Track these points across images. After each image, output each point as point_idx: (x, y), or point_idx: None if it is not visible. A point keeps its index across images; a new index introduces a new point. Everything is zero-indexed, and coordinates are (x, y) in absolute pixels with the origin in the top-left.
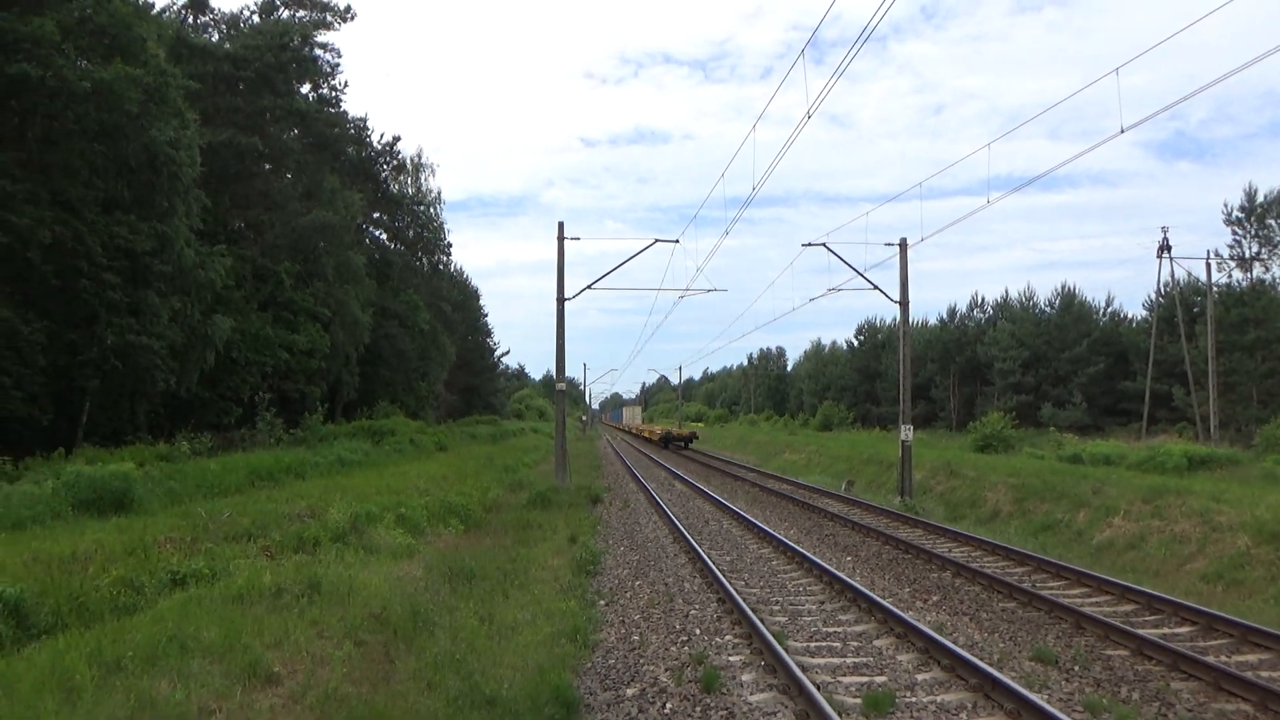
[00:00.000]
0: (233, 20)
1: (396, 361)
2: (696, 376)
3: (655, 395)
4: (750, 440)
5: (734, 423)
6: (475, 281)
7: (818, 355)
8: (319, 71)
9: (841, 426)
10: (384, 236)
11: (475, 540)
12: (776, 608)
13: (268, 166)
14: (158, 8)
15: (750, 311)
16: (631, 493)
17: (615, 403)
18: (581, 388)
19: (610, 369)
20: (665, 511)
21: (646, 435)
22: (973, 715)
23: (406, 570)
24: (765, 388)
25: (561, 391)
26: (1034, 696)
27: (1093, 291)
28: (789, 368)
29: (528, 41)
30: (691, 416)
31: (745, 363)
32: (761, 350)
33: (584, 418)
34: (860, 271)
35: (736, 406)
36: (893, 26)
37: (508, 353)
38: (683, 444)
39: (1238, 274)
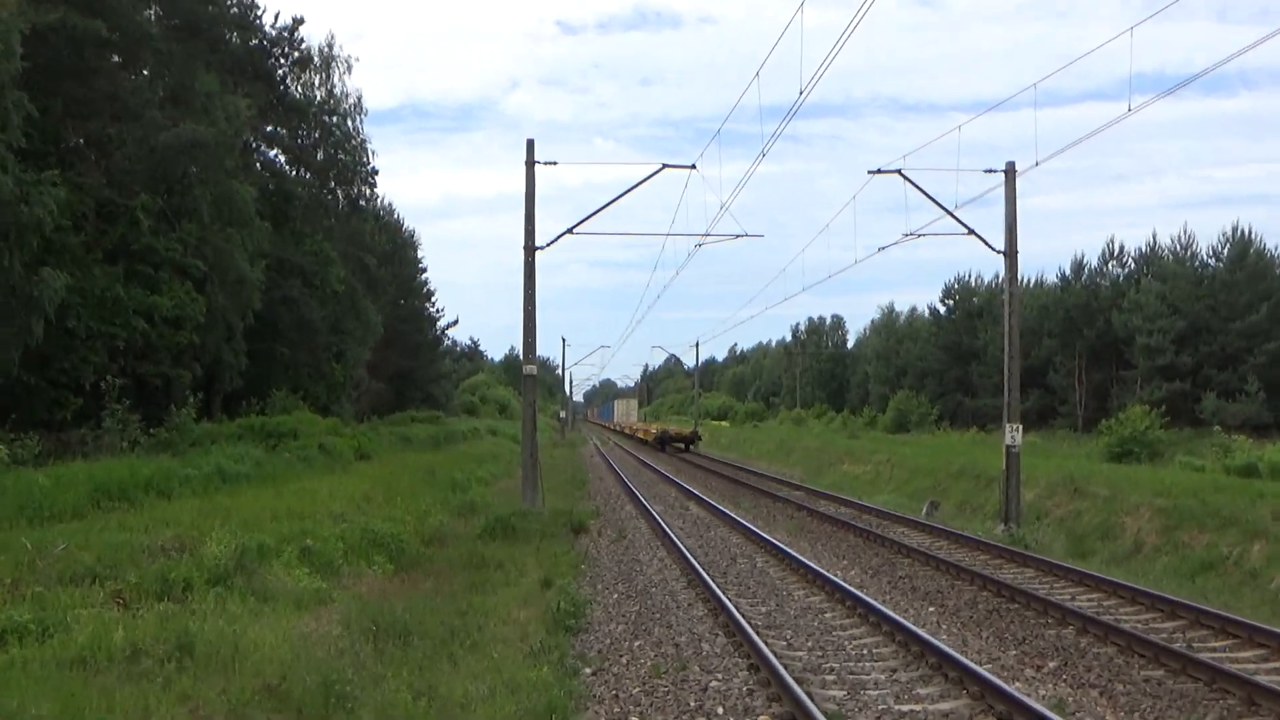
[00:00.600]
0: None
1: (299, 336)
2: (720, 356)
3: (662, 383)
4: (795, 446)
5: (772, 421)
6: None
7: (889, 328)
8: None
9: (922, 426)
10: (282, 160)
11: (411, 584)
12: (831, 678)
13: (116, 59)
14: None
15: (795, 267)
16: (628, 518)
17: (606, 394)
18: (559, 372)
19: (600, 346)
20: (676, 544)
21: (642, 436)
22: None
23: (315, 626)
24: (816, 373)
25: (531, 378)
26: None
27: (1277, 237)
28: (849, 344)
29: None
30: (713, 413)
31: (788, 338)
32: (811, 321)
33: (562, 414)
34: (949, 210)
35: (776, 399)
36: None
37: (455, 324)
38: (683, 445)
39: None
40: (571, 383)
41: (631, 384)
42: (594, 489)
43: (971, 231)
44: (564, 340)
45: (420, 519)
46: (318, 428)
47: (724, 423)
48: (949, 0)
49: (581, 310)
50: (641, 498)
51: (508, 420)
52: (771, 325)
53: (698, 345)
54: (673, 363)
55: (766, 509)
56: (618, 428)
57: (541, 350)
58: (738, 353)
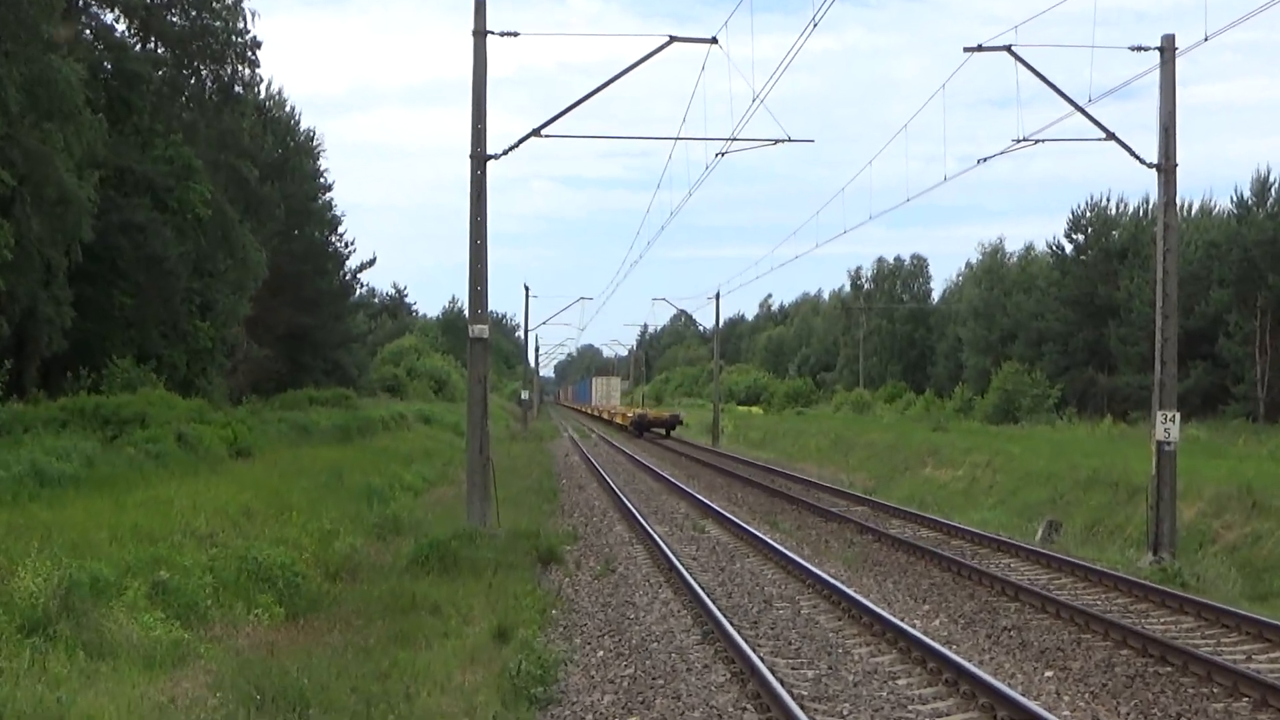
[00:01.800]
0: None
1: (148, 280)
2: (749, 312)
3: (667, 351)
4: (857, 442)
5: (824, 406)
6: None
7: (993, 273)
8: None
9: (1037, 414)
10: (121, 26)
11: (310, 635)
12: None
13: None
14: None
15: (859, 186)
16: (619, 543)
17: (589, 366)
18: (521, 336)
19: (578, 299)
20: (686, 580)
21: (620, 422)
22: None
23: (174, 693)
24: (887, 337)
25: (481, 343)
26: None
27: None
28: (934, 297)
29: None
30: (740, 394)
31: (847, 287)
32: (881, 264)
33: (525, 394)
34: (1079, 105)
35: (828, 374)
36: None
37: (371, 264)
38: (663, 430)
39: None
40: (538, 351)
41: (624, 352)
42: (570, 501)
43: (1111, 136)
44: (527, 290)
45: (323, 543)
46: (175, 412)
47: (755, 408)
48: None
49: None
50: (638, 514)
51: (447, 402)
52: (824, 269)
53: (718, 298)
54: (682, 323)
55: (816, 531)
56: (595, 412)
57: (496, 304)
58: (775, 309)
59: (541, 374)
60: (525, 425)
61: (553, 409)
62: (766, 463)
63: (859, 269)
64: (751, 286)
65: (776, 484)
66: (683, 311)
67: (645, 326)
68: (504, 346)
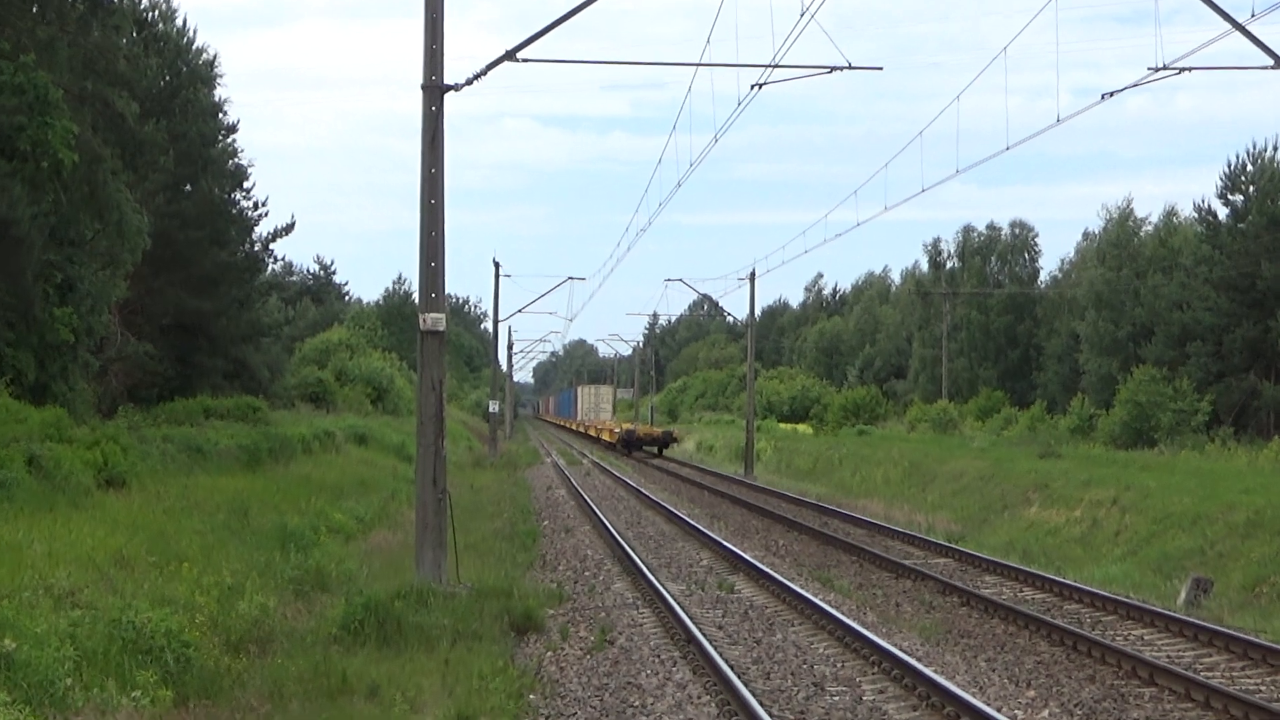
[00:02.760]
0: None
1: None
2: (793, 298)
3: (684, 347)
4: (936, 471)
5: (896, 424)
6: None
7: (1121, 246)
8: None
9: (1179, 436)
10: None
11: None
12: None
13: None
14: None
15: (939, 130)
16: (618, 605)
17: (579, 368)
18: (487, 327)
19: (566, 279)
20: (710, 656)
21: (608, 439)
22: None
23: None
24: (978, 332)
25: (435, 338)
26: None
27: None
28: (1042, 279)
29: None
30: (783, 408)
31: (923, 265)
32: (970, 233)
33: (494, 407)
34: (1239, 22)
35: (900, 381)
36: None
37: (289, 231)
38: (655, 448)
39: None
40: (512, 349)
41: (627, 350)
42: (554, 549)
43: None
44: (498, 268)
45: (223, 603)
46: (25, 427)
47: (802, 426)
48: None
49: (533, 210)
50: (644, 566)
51: (389, 416)
52: (894, 241)
53: (753, 279)
54: (705, 312)
55: (883, 591)
56: (582, 428)
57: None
58: (828, 294)
59: (517, 379)
60: (495, 447)
61: (531, 425)
62: (817, 499)
63: (940, 241)
64: (797, 264)
65: (831, 527)
66: (705, 297)
67: (655, 317)
68: (467, 342)
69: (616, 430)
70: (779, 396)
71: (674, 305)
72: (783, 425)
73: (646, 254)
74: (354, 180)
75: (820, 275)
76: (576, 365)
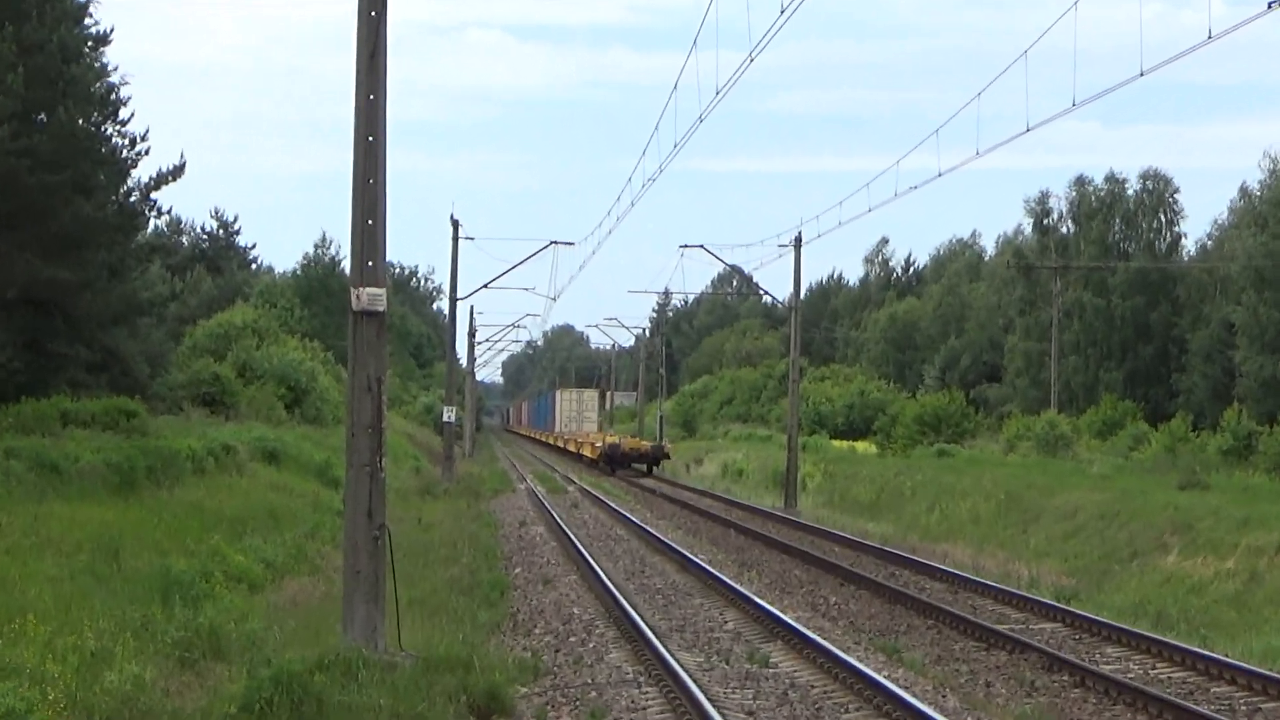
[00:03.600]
0: None
1: None
2: (851, 274)
3: (706, 337)
4: (1042, 506)
5: (986, 441)
6: None
7: None
8: None
9: None
10: None
11: None
12: None
13: None
14: None
15: (1046, 48)
16: (614, 682)
17: (560, 366)
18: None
19: (548, 243)
20: None
21: (589, 455)
22: None
23: None
24: (1099, 320)
25: (374, 320)
26: None
27: None
28: (1185, 249)
29: None
30: (836, 420)
31: (1025, 230)
32: (1086, 188)
33: (448, 414)
34: None
35: (994, 385)
36: None
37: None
38: (645, 466)
39: None
40: (474, 337)
41: (628, 340)
42: (529, 605)
43: None
44: (457, 228)
45: (85, 673)
46: None
47: (863, 444)
48: None
49: (504, 151)
50: (649, 631)
51: (311, 427)
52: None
53: (798, 247)
54: (733, 291)
55: (968, 666)
56: (561, 442)
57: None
58: (898, 266)
59: (482, 378)
60: (451, 469)
61: (499, 439)
62: (882, 542)
63: (1048, 198)
64: (857, 227)
65: (900, 580)
66: (734, 271)
67: (667, 297)
68: (415, 328)
69: (599, 445)
70: (832, 405)
71: (692, 281)
72: (836, 443)
73: (656, 212)
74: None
75: (886, 242)
76: (561, 360)
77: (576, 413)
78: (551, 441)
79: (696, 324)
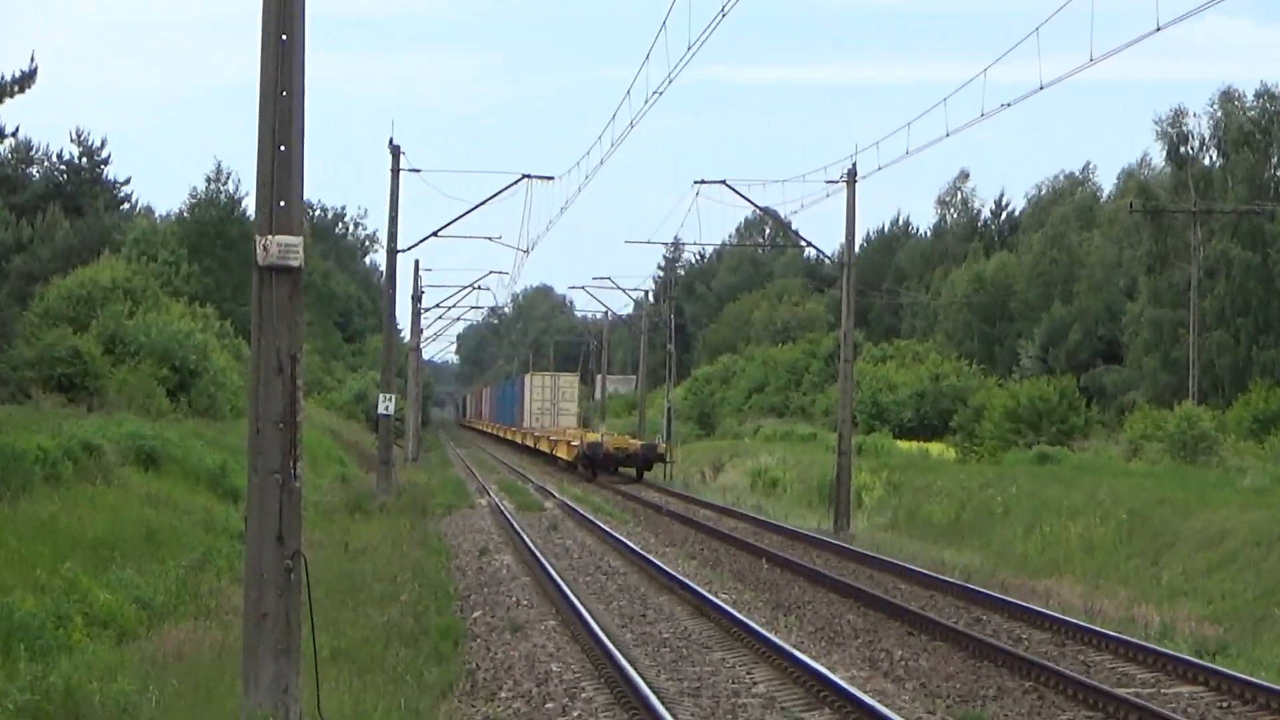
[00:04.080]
0: None
1: None
2: (920, 219)
3: (730, 302)
4: (1176, 530)
5: (1102, 442)
6: None
7: None
8: None
9: None
10: None
11: None
12: None
13: None
14: None
15: None
16: None
17: (534, 341)
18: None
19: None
20: None
21: (564, 456)
22: None
23: None
24: (1253, 278)
25: (287, 277)
26: None
27: None
28: None
29: None
30: (903, 414)
31: (1153, 161)
32: (1232, 100)
33: (385, 403)
34: None
35: (1113, 368)
36: None
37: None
38: (636, 468)
39: None
40: (421, 301)
41: (624, 307)
42: (491, 660)
43: None
44: (397, 157)
45: None
46: None
47: (936, 445)
48: None
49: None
50: (650, 694)
51: (203, 420)
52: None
53: (852, 183)
54: (764, 242)
55: None
56: (532, 440)
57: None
58: (985, 210)
59: (431, 357)
60: (389, 477)
61: (453, 437)
62: (964, 577)
63: (1185, 116)
64: (930, 158)
65: (988, 627)
66: (766, 214)
67: (677, 250)
68: (342, 289)
69: (576, 444)
70: (896, 394)
71: (711, 229)
72: (903, 444)
73: (662, 138)
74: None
75: (968, 178)
76: (536, 333)
77: (551, 403)
78: (520, 440)
79: (716, 285)
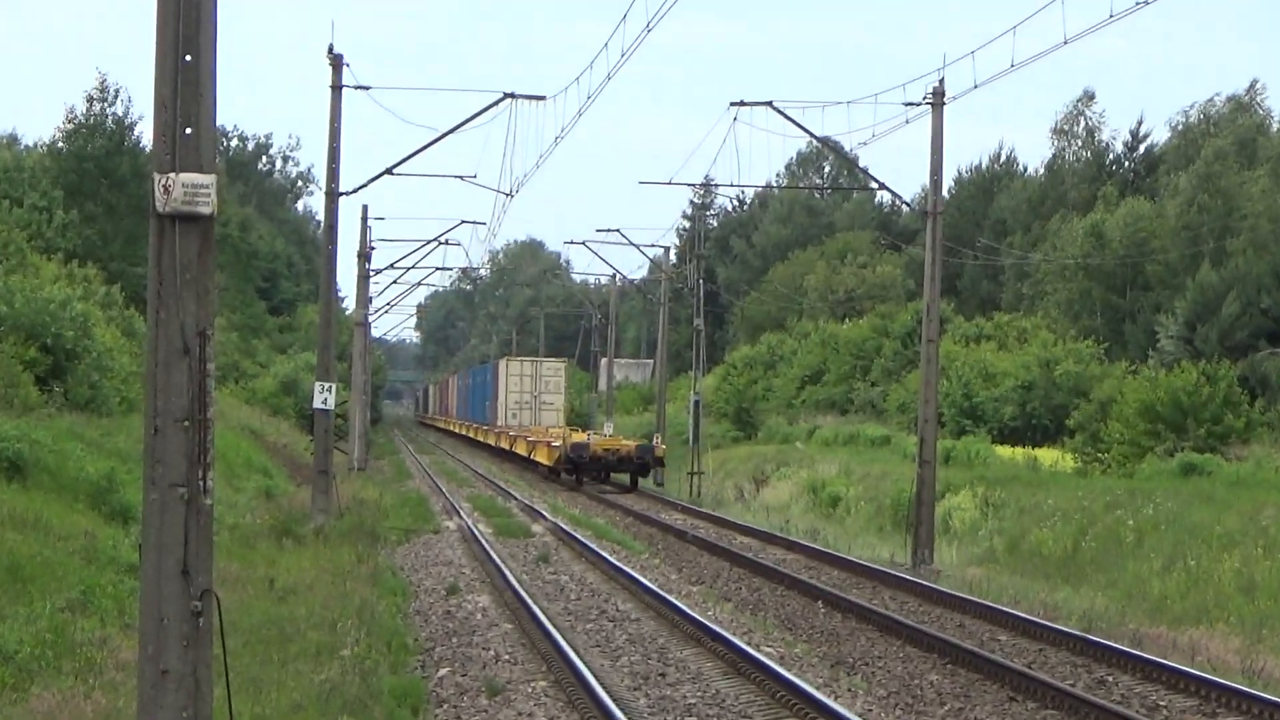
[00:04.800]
0: None
1: None
2: (1027, 155)
3: (770, 269)
4: None
5: (1270, 451)
6: None
7: None
8: None
9: None
10: None
11: None
12: None
13: None
14: None
15: None
16: None
17: (518, 315)
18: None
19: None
20: None
21: (544, 461)
22: None
23: None
24: None
25: (193, 227)
26: None
27: None
28: None
29: None
30: (1001, 411)
31: None
32: None
33: (323, 395)
34: None
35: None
36: None
37: None
38: (630, 474)
39: None
40: (367, 263)
41: (635, 269)
42: None
43: None
44: (339, 67)
45: None
46: None
47: (1050, 452)
48: None
49: None
50: None
51: (84, 415)
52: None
53: (939, 104)
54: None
55: None
56: (508, 441)
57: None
58: (1115, 142)
59: (383, 335)
60: (329, 492)
61: (412, 438)
62: (1083, 627)
63: None
64: (1039, 73)
65: (1114, 691)
66: (824, 146)
67: (706, 191)
68: (267, 246)
69: (558, 445)
70: (996, 385)
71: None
72: (1003, 450)
73: (687, 47)
74: None
75: (1091, 99)
76: (521, 303)
77: (531, 395)
78: (493, 442)
79: (759, 241)
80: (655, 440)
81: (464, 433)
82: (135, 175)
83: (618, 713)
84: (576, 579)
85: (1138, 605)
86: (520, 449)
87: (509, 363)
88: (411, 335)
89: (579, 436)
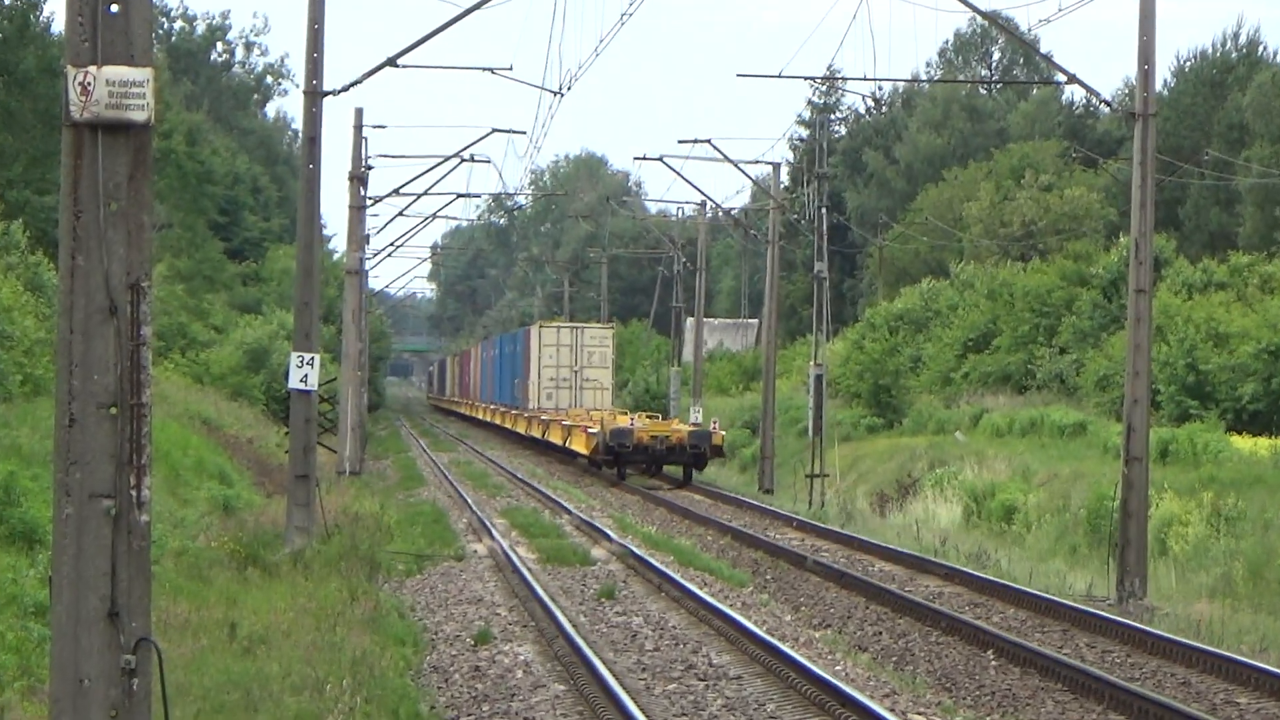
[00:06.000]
0: None
1: None
2: (1276, 40)
3: (918, 194)
4: None
5: None
6: None
7: None
8: None
9: None
10: None
11: None
12: None
13: None
14: None
15: None
16: None
17: (576, 261)
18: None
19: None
20: None
21: (581, 449)
22: None
23: None
24: None
25: (121, 141)
26: None
27: None
28: None
29: None
30: (1242, 393)
31: None
32: None
33: (303, 369)
34: None
35: None
36: None
37: None
38: (683, 466)
39: None
40: (362, 188)
41: (729, 203)
42: None
43: None
44: None
45: None
46: None
47: None
48: None
49: None
50: None
51: None
52: None
53: None
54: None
55: None
56: (541, 428)
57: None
58: None
59: (385, 288)
60: (309, 502)
61: (423, 428)
62: None
63: None
64: None
65: None
66: (991, 25)
67: (831, 91)
68: (224, 165)
69: (595, 431)
70: (1231, 352)
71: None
72: (1241, 442)
73: None
74: None
75: None
76: (575, 244)
77: (570, 370)
78: (524, 429)
79: (901, 155)
80: (713, 425)
81: (489, 419)
82: (44, 71)
83: None
84: (653, 622)
85: None
86: (554, 436)
87: (543, 329)
88: (425, 288)
89: (622, 419)
